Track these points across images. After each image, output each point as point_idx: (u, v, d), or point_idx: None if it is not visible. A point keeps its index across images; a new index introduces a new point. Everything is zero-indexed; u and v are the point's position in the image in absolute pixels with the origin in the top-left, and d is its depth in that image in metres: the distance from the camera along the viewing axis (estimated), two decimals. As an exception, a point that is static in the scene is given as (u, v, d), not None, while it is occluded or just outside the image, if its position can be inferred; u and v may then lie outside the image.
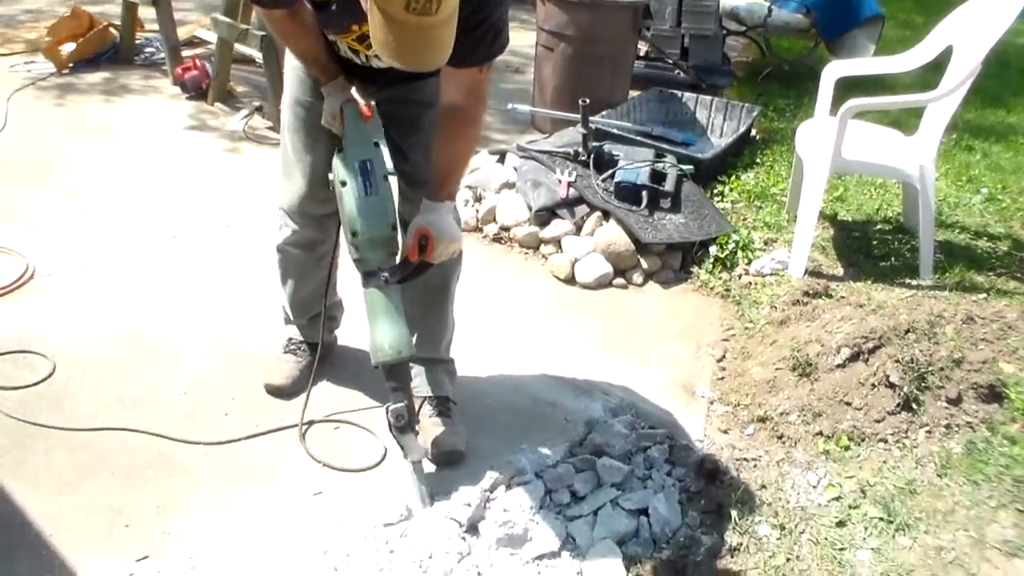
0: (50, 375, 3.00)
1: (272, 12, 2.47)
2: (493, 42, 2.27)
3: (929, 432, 2.90)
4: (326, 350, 3.07)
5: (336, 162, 2.47)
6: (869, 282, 3.79)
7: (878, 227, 4.42)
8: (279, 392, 3.01)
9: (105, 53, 6.38)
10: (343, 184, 2.42)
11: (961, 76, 3.73)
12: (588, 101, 4.45)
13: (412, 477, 2.51)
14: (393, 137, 2.59)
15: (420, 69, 1.99)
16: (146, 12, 6.31)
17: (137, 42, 6.58)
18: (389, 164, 2.49)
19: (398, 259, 2.49)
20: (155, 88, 6.00)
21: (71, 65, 6.17)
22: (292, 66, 2.70)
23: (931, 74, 4.09)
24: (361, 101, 2.49)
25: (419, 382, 2.87)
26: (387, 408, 2.48)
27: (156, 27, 6.21)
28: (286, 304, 3.09)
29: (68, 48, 6.19)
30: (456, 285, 2.87)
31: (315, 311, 3.04)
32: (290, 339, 3.14)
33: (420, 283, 2.60)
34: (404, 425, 2.47)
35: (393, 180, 2.52)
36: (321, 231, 2.83)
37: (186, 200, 4.39)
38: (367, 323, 2.45)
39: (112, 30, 6.44)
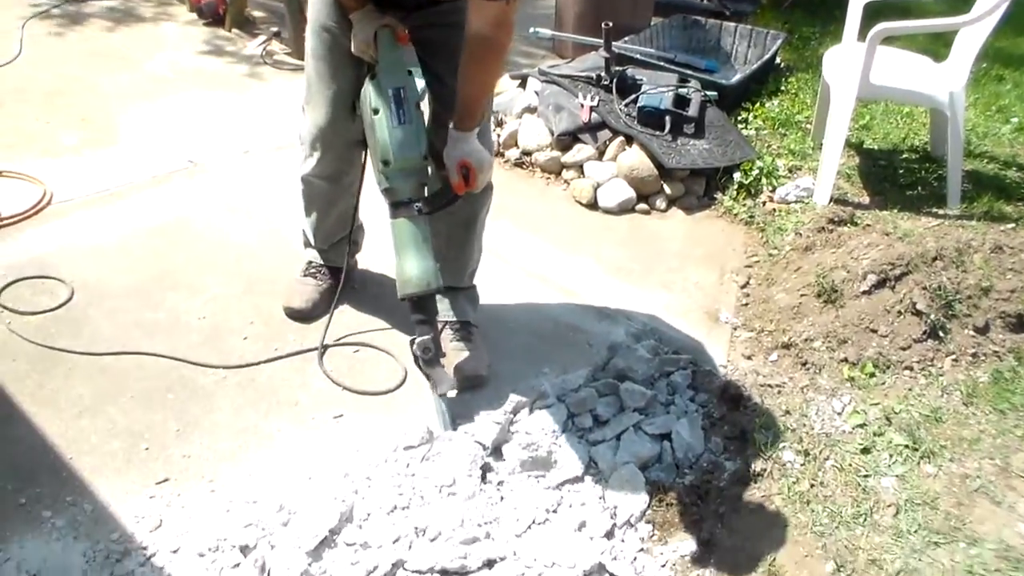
0: (68, 300, 2.98)
1: None
2: None
3: (955, 360, 2.87)
4: (347, 275, 3.01)
5: (368, 89, 2.37)
6: (896, 210, 3.73)
7: (905, 156, 4.34)
8: (299, 315, 2.99)
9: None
10: (375, 112, 2.34)
11: (994, 1, 3.63)
12: (611, 25, 4.36)
13: (436, 404, 2.49)
14: (427, 62, 2.52)
15: None
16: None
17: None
18: (423, 88, 2.42)
19: (427, 190, 2.45)
20: (169, 15, 5.91)
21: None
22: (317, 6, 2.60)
23: (960, 1, 3.98)
24: (395, 24, 2.39)
25: (442, 308, 2.84)
26: (413, 340, 2.45)
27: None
28: (308, 231, 3.05)
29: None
30: (485, 216, 2.83)
31: (339, 237, 3.01)
32: (310, 262, 3.10)
33: (450, 215, 2.58)
34: (432, 358, 2.45)
35: (424, 108, 2.47)
36: (347, 161, 2.76)
37: (203, 126, 4.34)
38: (394, 251, 2.40)
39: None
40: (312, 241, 3.06)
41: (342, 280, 2.97)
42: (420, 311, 2.44)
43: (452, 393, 2.63)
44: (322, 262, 3.09)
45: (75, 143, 4.07)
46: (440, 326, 2.81)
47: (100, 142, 4.10)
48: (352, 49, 2.42)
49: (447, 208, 2.50)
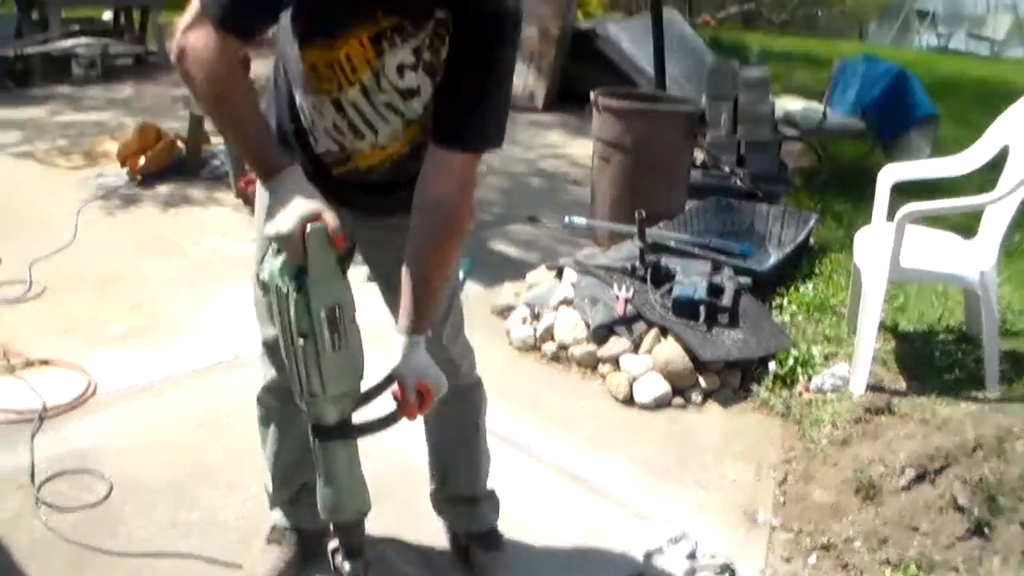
0: (106, 496, 3.03)
1: (224, 51, 1.79)
2: (499, 120, 2.06)
3: (1004, 560, 2.80)
4: (314, 540, 2.60)
5: (291, 304, 1.79)
6: (933, 395, 3.70)
7: (941, 337, 4.34)
8: None
9: (172, 166, 6.61)
10: (302, 336, 1.79)
11: (1018, 178, 3.69)
12: (644, 215, 4.48)
13: None
14: (370, 264, 2.34)
15: None
16: (212, 125, 6.50)
17: (203, 155, 6.79)
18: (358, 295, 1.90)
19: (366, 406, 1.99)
20: (216, 200, 6.17)
21: (139, 177, 6.40)
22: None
23: (991, 172, 4.04)
24: (331, 219, 1.79)
25: (465, 520, 2.79)
26: (334, 553, 2.02)
27: (221, 140, 6.41)
28: (268, 475, 2.66)
29: (136, 160, 6.46)
30: (485, 418, 2.72)
31: (299, 482, 2.60)
32: (274, 526, 2.72)
33: (452, 427, 2.53)
34: None
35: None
36: None
37: (247, 316, 4.43)
38: (318, 474, 1.96)
39: (179, 143, 6.68)
40: (273, 492, 2.70)
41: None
42: (351, 537, 2.01)
43: None
44: (287, 524, 2.70)
45: (122, 332, 4.23)
46: (463, 540, 2.78)
47: (146, 331, 4.25)
48: (265, 230, 1.83)
49: (446, 423, 2.34)
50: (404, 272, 2.00)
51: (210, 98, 1.86)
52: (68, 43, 10.10)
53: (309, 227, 1.76)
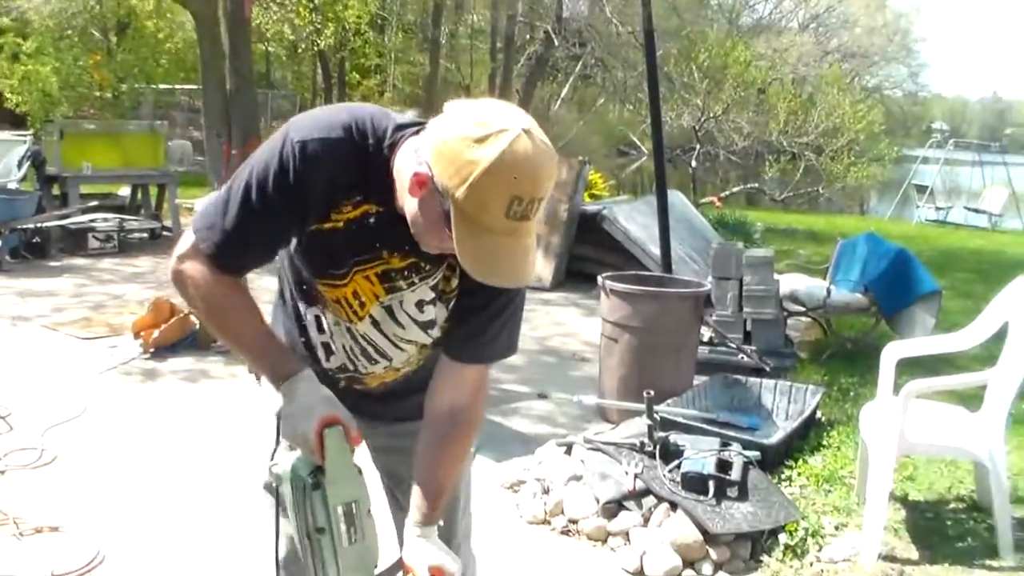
0: None
1: (219, 282, 1.89)
2: (512, 333, 2.09)
3: None
4: None
5: (309, 501, 1.84)
6: (946, 565, 3.71)
7: (951, 506, 4.36)
8: None
9: (184, 339, 6.78)
10: (319, 531, 1.83)
11: (1019, 354, 3.78)
12: (652, 393, 4.56)
13: None
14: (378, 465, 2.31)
15: (519, 282, 1.80)
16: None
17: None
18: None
19: None
20: (233, 374, 6.28)
21: (152, 350, 6.57)
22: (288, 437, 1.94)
23: (995, 345, 4.13)
24: (347, 420, 1.85)
25: None
26: None
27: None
28: None
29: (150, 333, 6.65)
30: None
31: None
32: None
33: None
34: None
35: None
36: None
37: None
38: None
39: (192, 318, 6.83)
40: None
41: None
42: None
43: None
44: None
45: (133, 501, 4.25)
46: None
47: (159, 508, 4.25)
48: (282, 431, 1.90)
49: None
50: (418, 474, 2.05)
51: (211, 321, 1.98)
52: (86, 217, 10.54)
53: (327, 430, 1.81)
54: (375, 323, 2.05)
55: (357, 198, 1.88)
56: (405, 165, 1.80)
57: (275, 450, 1.97)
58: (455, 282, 2.02)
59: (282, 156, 1.81)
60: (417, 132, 1.84)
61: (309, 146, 1.81)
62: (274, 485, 1.92)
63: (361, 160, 1.84)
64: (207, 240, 1.86)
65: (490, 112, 1.71)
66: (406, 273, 1.98)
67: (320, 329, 2.11)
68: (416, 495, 2.03)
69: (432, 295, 2.03)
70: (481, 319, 2.03)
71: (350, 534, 1.83)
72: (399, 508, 2.25)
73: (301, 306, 2.11)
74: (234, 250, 1.87)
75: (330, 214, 1.88)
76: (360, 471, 1.88)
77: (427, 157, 1.72)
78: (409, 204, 1.79)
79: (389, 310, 2.03)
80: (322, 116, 1.90)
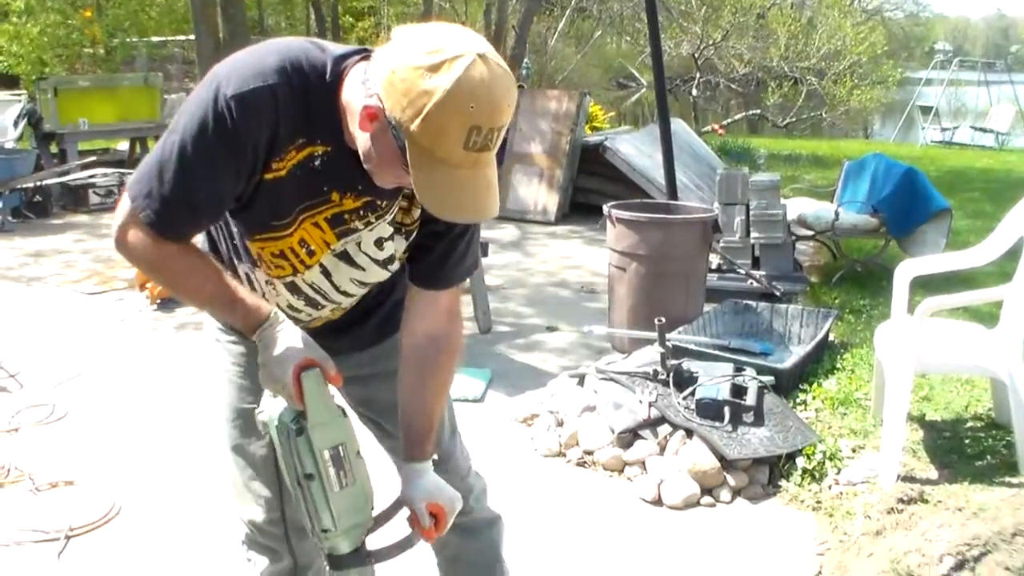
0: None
1: (164, 249, 1.79)
2: (475, 248, 2.05)
3: (1049, 645, 2.76)
4: None
5: (293, 448, 1.80)
6: (966, 483, 3.67)
7: (969, 424, 4.32)
8: None
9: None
10: (308, 478, 1.79)
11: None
12: (664, 320, 4.51)
13: None
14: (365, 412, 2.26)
15: (483, 218, 1.71)
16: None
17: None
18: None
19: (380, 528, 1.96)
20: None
21: (158, 301, 6.57)
22: (224, 365, 2.15)
23: (1010, 262, 4.06)
24: (323, 361, 1.80)
25: None
26: None
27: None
28: None
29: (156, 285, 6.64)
30: (504, 537, 2.51)
31: None
32: None
33: (469, 568, 2.41)
34: None
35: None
36: (304, 551, 2.24)
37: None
38: None
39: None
40: None
41: None
42: None
43: None
44: None
45: (146, 453, 4.19)
46: None
47: (171, 452, 4.23)
48: (260, 379, 1.83)
49: (462, 565, 2.27)
50: (402, 405, 2.02)
51: (169, 287, 1.93)
52: (86, 173, 10.46)
53: (303, 374, 1.76)
54: (325, 272, 1.98)
55: (300, 140, 1.76)
56: (354, 97, 1.70)
57: (260, 398, 1.90)
58: (416, 212, 1.94)
59: (216, 112, 1.68)
60: (362, 60, 1.73)
61: (244, 98, 1.68)
62: (263, 433, 1.87)
63: (302, 101, 1.73)
64: (145, 209, 1.74)
65: (442, 38, 1.58)
66: (361, 213, 1.89)
67: (266, 287, 2.01)
68: (407, 431, 2.01)
69: (391, 230, 1.95)
70: (445, 243, 1.97)
71: (340, 478, 1.79)
72: (385, 435, 2.23)
73: (238, 263, 2.00)
74: (174, 218, 1.76)
75: (271, 164, 1.76)
76: (344, 412, 1.84)
77: (377, 89, 1.61)
78: (361, 139, 1.69)
79: (344, 255, 1.95)
80: (250, 62, 1.73)
